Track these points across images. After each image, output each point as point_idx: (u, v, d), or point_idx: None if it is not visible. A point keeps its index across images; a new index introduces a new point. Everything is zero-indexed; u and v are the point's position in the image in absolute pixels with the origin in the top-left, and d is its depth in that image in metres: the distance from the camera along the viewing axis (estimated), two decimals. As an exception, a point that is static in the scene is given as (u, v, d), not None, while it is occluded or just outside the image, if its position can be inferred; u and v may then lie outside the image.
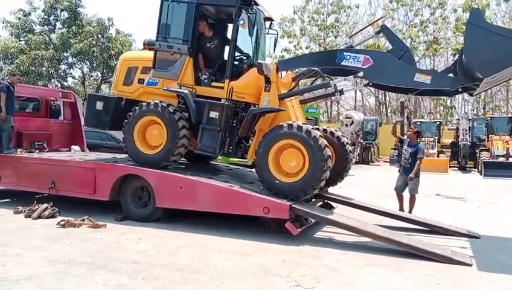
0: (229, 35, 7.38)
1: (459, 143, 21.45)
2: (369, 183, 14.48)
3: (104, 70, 28.03)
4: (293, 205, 6.21)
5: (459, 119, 24.20)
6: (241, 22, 6.77)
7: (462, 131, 21.63)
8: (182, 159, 7.80)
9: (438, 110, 35.47)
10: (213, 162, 9.75)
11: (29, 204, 7.54)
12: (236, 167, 9.72)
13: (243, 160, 8.68)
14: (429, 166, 17.52)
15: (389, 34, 7.15)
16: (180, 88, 7.25)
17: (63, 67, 28.45)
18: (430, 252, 5.60)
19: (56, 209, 7.37)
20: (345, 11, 35.77)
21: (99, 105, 7.93)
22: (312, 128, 6.50)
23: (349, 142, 8.01)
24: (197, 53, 7.34)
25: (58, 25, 27.47)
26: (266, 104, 6.92)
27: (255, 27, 7.19)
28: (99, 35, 26.49)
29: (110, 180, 7.28)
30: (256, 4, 7.16)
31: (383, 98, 38.21)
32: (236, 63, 7.39)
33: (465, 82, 6.30)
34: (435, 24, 32.94)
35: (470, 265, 5.36)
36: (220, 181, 6.94)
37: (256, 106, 7.05)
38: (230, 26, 7.36)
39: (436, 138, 22.88)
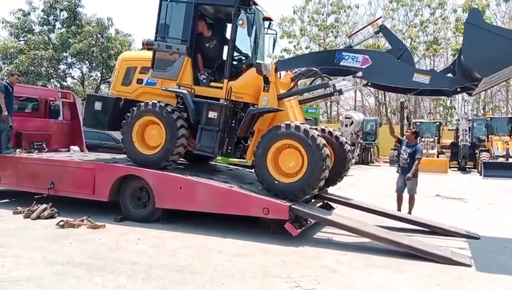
0: (228, 35, 7.37)
1: (459, 143, 21.45)
2: (369, 184, 14.48)
3: (104, 71, 28.01)
4: (293, 206, 6.19)
5: (459, 120, 24.21)
6: (240, 22, 6.76)
7: (462, 131, 21.63)
8: (181, 159, 7.79)
9: (437, 111, 35.47)
10: (212, 163, 9.73)
11: (28, 204, 7.52)
12: (235, 167, 9.71)
13: (242, 160, 8.67)
14: (429, 166, 17.53)
15: (387, 34, 7.15)
16: (179, 88, 7.24)
17: (62, 67, 28.46)
18: (430, 253, 5.59)
19: (55, 209, 7.36)
20: (344, 11, 35.76)
21: (97, 105, 7.92)
22: (310, 128, 6.49)
23: (348, 142, 7.99)
24: (195, 53, 7.33)
25: (58, 25, 27.45)
26: (265, 104, 6.92)
27: (254, 27, 7.20)
28: (99, 35, 26.48)
29: (109, 180, 7.26)
30: (255, 4, 7.15)
31: (383, 98, 38.18)
32: (235, 63, 7.39)
33: (464, 82, 6.30)
34: (434, 24, 32.93)
35: (469, 266, 5.36)
36: (219, 182, 6.93)
37: (255, 106, 7.04)
38: (229, 26, 7.34)
39: (436, 138, 22.89)
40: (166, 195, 6.94)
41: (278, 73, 7.24)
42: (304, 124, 6.66)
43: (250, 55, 7.51)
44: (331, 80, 7.16)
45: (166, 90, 7.29)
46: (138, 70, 7.77)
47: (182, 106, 7.28)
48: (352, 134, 22.25)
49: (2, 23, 25.77)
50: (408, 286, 4.69)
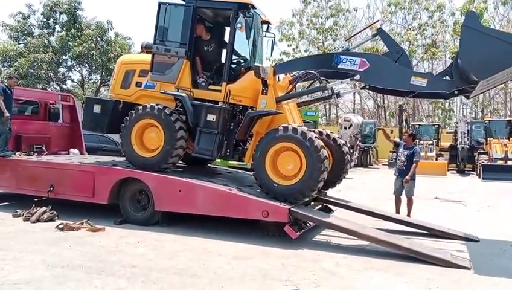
0: (227, 38, 7.41)
1: (458, 146, 21.48)
2: (368, 187, 14.49)
3: (103, 74, 28.03)
4: (292, 209, 6.20)
5: (457, 123, 24.25)
6: (239, 25, 6.80)
7: (460, 134, 21.67)
8: (180, 162, 7.79)
9: (436, 114, 35.56)
10: (212, 166, 9.74)
11: (28, 207, 7.52)
12: (235, 170, 9.71)
13: (241, 163, 8.69)
14: (428, 169, 17.56)
15: (385, 37, 7.18)
16: (178, 91, 7.26)
17: (62, 70, 28.48)
18: (429, 255, 5.60)
19: (55, 212, 7.35)
20: (343, 14, 35.92)
21: (97, 108, 7.93)
22: (308, 130, 6.51)
23: (346, 144, 8.01)
24: (194, 56, 7.35)
25: (58, 28, 27.47)
26: (263, 107, 6.94)
27: (252, 30, 7.23)
28: (99, 39, 26.50)
29: (109, 183, 7.26)
30: (254, 7, 7.18)
31: (382, 101, 38.28)
32: (233, 66, 7.42)
33: (461, 85, 6.33)
34: (433, 27, 33.09)
35: (469, 269, 5.36)
36: (219, 184, 6.93)
37: (254, 108, 7.07)
38: (228, 30, 7.38)
39: (434, 141, 22.94)
40: (165, 198, 6.94)
41: (277, 76, 7.26)
42: (301, 126, 6.67)
43: (249, 59, 7.54)
44: (329, 82, 7.19)
45: (165, 93, 7.31)
46: (137, 73, 7.79)
47: (180, 109, 7.30)
48: (351, 137, 22.27)
49: (2, 26, 25.83)
50: (407, 288, 4.69)
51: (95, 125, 8.18)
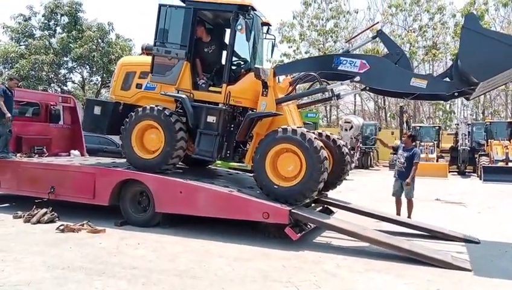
0: (227, 40, 7.43)
1: (459, 148, 21.45)
2: (369, 188, 14.48)
3: (104, 75, 28.06)
4: (293, 210, 6.20)
5: (458, 124, 24.23)
6: (239, 27, 6.82)
7: (461, 136, 21.64)
8: (180, 163, 7.79)
9: (437, 115, 35.52)
10: (213, 167, 9.75)
11: (29, 209, 7.53)
12: (236, 171, 9.72)
13: (242, 164, 8.69)
14: (428, 171, 17.57)
15: (385, 39, 7.18)
16: (178, 93, 7.27)
17: (63, 71, 28.50)
18: (430, 257, 5.59)
19: (55, 214, 7.36)
20: (344, 16, 35.94)
21: (97, 110, 7.94)
22: (307, 131, 6.52)
23: (346, 145, 8.00)
24: (194, 58, 7.37)
25: (58, 29, 27.51)
26: (263, 108, 6.95)
27: (253, 32, 7.24)
28: (99, 40, 26.55)
29: (110, 185, 7.27)
30: (254, 9, 7.20)
31: (382, 102, 38.28)
32: (233, 67, 7.43)
33: (461, 86, 6.33)
34: (433, 29, 33.08)
35: (470, 270, 5.35)
36: (219, 186, 6.94)
37: (254, 110, 7.08)
38: (228, 31, 7.39)
39: (435, 142, 22.88)
40: (166, 199, 6.94)
41: (277, 77, 7.28)
42: (300, 127, 6.68)
43: (249, 60, 7.56)
44: (329, 84, 7.19)
45: (165, 95, 7.32)
46: (137, 75, 7.81)
47: (181, 111, 7.31)
48: (351, 138, 22.31)
49: (3, 28, 25.85)
50: (408, 290, 4.69)
51: (95, 127, 8.19)
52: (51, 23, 27.28)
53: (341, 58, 6.81)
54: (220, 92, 7.17)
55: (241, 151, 7.43)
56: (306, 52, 35.05)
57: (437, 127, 25.66)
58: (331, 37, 35.78)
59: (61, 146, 10.41)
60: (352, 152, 19.98)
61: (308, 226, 6.71)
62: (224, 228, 6.94)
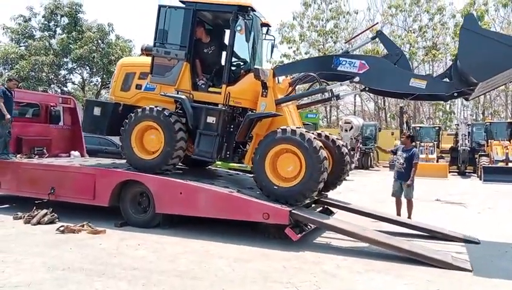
0: (226, 41, 7.44)
1: (459, 148, 21.45)
2: (369, 189, 14.47)
3: (104, 76, 28.08)
4: (293, 211, 6.20)
5: (458, 125, 24.23)
6: (238, 28, 6.83)
7: (461, 136, 21.65)
8: (180, 164, 7.80)
9: (437, 116, 35.53)
10: (213, 168, 9.75)
11: (29, 210, 7.52)
12: (236, 172, 9.72)
13: (242, 165, 8.70)
14: (429, 171, 17.58)
15: (384, 39, 7.19)
16: (178, 93, 7.28)
17: (63, 72, 28.53)
18: (430, 257, 5.59)
19: (55, 215, 7.35)
20: (344, 17, 35.98)
21: (97, 111, 7.94)
22: (306, 132, 6.52)
23: (345, 145, 8.00)
24: (194, 59, 7.37)
25: (59, 30, 27.55)
26: (263, 109, 6.95)
27: (252, 33, 7.25)
28: (99, 41, 26.58)
29: (110, 186, 7.27)
30: (253, 10, 7.21)
31: (382, 103, 38.29)
32: (233, 68, 7.44)
33: (460, 87, 6.34)
34: (433, 30, 33.11)
35: (470, 271, 5.35)
36: (219, 187, 6.94)
37: (253, 111, 7.08)
38: (228, 32, 7.40)
39: (435, 143, 22.89)
40: (166, 200, 6.94)
41: (276, 78, 7.28)
42: (300, 128, 6.69)
43: (249, 61, 7.57)
44: (328, 85, 7.20)
45: (165, 96, 7.33)
46: (137, 75, 7.81)
47: (180, 111, 7.32)
48: (351, 139, 22.28)
49: (3, 29, 25.90)
50: (408, 290, 4.69)
51: (95, 128, 8.18)
52: (51, 24, 27.32)
53: (340, 58, 6.82)
54: (219, 93, 7.18)
55: (240, 152, 7.44)
56: (306, 53, 35.10)
57: (437, 128, 25.66)
58: (331, 37, 35.82)
59: (61, 147, 10.42)
60: (352, 153, 19.98)
61: (308, 227, 6.71)
62: (224, 228, 6.94)
